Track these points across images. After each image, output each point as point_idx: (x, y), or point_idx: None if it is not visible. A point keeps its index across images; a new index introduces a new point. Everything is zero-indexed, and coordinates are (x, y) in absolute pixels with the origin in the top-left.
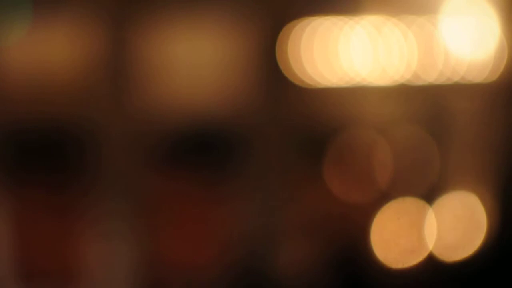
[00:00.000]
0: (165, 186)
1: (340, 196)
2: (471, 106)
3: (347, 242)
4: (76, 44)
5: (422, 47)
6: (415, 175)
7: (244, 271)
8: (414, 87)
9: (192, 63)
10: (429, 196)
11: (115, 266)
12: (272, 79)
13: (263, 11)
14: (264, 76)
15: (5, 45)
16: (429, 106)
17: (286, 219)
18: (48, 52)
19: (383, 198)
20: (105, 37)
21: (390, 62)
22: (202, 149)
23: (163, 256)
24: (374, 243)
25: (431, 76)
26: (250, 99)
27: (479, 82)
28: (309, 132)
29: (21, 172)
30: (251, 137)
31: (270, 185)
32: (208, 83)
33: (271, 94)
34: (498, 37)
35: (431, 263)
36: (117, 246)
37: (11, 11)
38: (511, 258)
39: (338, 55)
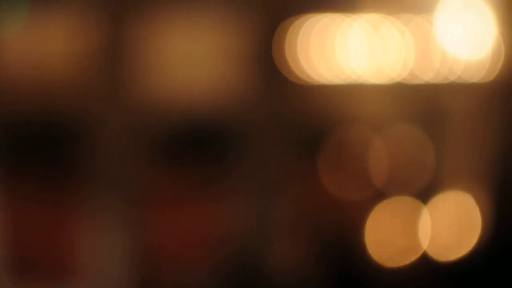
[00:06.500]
0: (160, 180)
1: (335, 193)
2: (468, 105)
3: (341, 239)
4: (73, 38)
5: (419, 46)
6: (410, 174)
7: (238, 266)
8: (410, 85)
9: (189, 58)
10: (424, 195)
11: (110, 258)
12: (269, 75)
13: (260, 7)
14: (261, 73)
15: (2, 38)
16: (425, 105)
17: (281, 215)
18: (45, 45)
19: (378, 196)
20: (103, 31)
21: (387, 60)
22: (198, 145)
23: (157, 250)
24: (368, 241)
25: (428, 75)
26: (246, 96)
27: (475, 81)
28: (305, 129)
29: (16, 165)
30: (247, 133)
31: (265, 181)
32: (205, 78)
33: (267, 90)
34: (495, 37)
35: (425, 262)
36: (112, 239)
37: (9, 5)
38: (505, 257)
39: (335, 53)
